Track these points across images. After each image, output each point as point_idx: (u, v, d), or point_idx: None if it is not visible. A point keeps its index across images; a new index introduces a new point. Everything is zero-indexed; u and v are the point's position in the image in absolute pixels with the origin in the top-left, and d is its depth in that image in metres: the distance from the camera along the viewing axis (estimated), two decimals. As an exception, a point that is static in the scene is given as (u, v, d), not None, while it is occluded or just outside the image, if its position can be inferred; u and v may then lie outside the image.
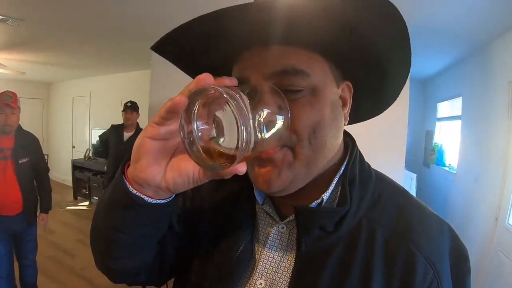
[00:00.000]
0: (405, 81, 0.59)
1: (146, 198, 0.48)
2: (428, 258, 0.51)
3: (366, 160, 0.64)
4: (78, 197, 6.84)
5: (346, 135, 0.67)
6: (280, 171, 0.51)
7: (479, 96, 3.69)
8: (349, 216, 0.53)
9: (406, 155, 3.41)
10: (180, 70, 0.64)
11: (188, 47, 0.56)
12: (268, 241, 0.59)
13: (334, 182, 0.57)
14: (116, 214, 0.51)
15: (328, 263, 0.52)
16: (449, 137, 5.00)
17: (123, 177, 0.50)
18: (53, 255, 4.13)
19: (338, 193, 0.57)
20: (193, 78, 0.46)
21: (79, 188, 6.80)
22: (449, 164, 4.87)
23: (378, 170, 0.66)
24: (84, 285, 3.47)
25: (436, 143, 5.31)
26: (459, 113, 4.29)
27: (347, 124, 0.62)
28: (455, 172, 4.38)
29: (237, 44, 0.52)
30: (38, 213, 2.84)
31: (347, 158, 0.60)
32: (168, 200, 0.51)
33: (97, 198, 6.28)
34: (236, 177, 0.47)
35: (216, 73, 0.57)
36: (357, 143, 0.65)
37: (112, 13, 3.21)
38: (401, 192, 0.62)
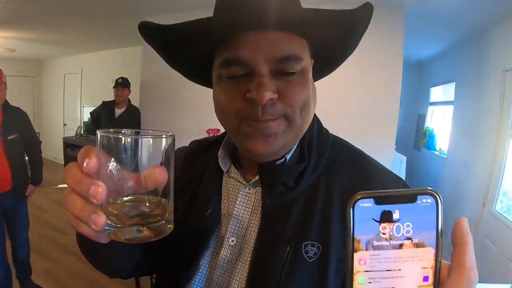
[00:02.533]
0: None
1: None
2: None
3: (349, 140, 0.72)
4: (70, 175, 6.78)
5: None
6: (276, 137, 0.57)
7: (472, 83, 3.71)
8: (307, 172, 0.62)
9: (397, 138, 3.43)
10: None
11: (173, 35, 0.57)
12: (237, 202, 0.66)
13: (296, 145, 0.65)
14: (87, 251, 0.61)
15: (292, 214, 0.60)
16: (440, 121, 5.05)
17: None
18: (45, 233, 4.16)
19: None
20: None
21: (71, 166, 6.73)
22: (440, 149, 4.93)
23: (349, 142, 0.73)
24: (76, 262, 3.50)
25: (427, 127, 5.35)
26: (452, 99, 4.32)
27: None
28: (445, 156, 4.44)
29: (228, 27, 0.54)
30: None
31: None
32: None
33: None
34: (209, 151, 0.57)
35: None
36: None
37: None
38: (360, 154, 0.70)
